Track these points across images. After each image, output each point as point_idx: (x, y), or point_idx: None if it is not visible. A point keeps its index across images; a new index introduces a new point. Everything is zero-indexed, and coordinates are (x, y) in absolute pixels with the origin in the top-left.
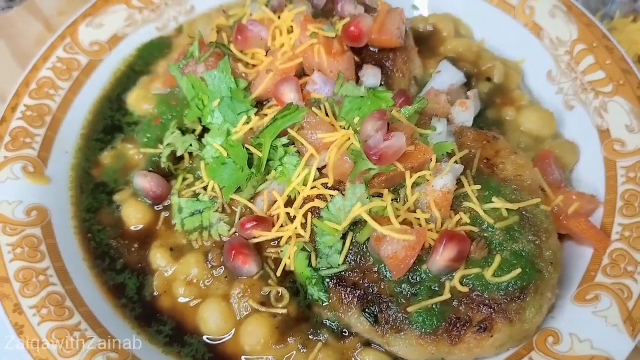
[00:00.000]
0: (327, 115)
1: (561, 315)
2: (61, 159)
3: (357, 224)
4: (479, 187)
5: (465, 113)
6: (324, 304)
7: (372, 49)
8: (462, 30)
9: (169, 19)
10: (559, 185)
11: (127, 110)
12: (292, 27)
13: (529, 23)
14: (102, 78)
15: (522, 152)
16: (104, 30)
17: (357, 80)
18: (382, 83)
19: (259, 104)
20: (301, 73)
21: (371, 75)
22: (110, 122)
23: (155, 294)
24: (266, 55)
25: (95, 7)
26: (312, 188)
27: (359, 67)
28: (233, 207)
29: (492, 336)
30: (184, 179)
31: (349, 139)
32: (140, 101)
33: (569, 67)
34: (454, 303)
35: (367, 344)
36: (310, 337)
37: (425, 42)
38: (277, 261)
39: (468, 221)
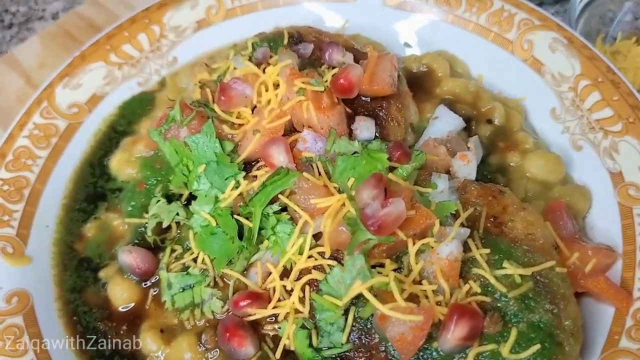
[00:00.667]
0: (319, 174)
1: None
2: (42, 234)
3: (360, 297)
4: (487, 250)
5: (467, 167)
6: None
7: (363, 98)
8: (457, 68)
9: (150, 73)
10: (572, 238)
11: (109, 176)
12: (277, 81)
13: (528, 58)
14: (82, 142)
15: (530, 207)
16: (82, 90)
17: (350, 134)
18: (377, 134)
19: (247, 165)
20: (290, 128)
21: (364, 128)
22: (93, 190)
23: None
24: (252, 113)
25: (71, 66)
26: (308, 257)
27: (350, 118)
28: (225, 280)
29: None
30: (172, 251)
31: (344, 204)
32: (123, 165)
33: (574, 105)
34: None
35: None
36: None
37: (420, 83)
38: (276, 339)
39: (479, 290)
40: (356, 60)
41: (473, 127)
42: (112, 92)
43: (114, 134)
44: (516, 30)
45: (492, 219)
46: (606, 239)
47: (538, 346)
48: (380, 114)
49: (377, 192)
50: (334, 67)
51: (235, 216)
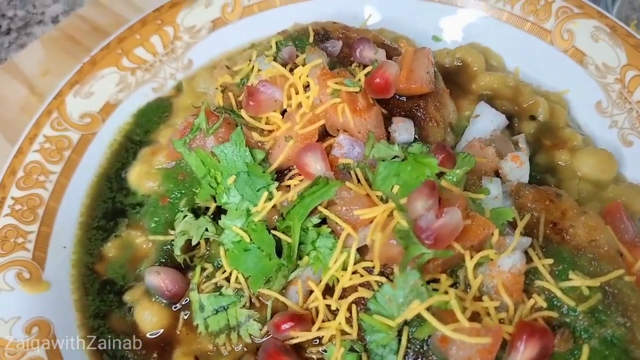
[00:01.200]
0: (358, 181)
1: None
2: (59, 256)
3: (413, 316)
4: (550, 260)
5: (519, 169)
6: None
7: (399, 97)
8: (492, 61)
9: (165, 77)
10: (633, 242)
11: (128, 190)
12: (307, 82)
13: (568, 49)
14: (97, 154)
15: (591, 210)
16: (94, 98)
17: (388, 137)
18: (415, 136)
19: (279, 174)
20: (323, 133)
21: (403, 130)
22: (111, 205)
23: None
24: (282, 117)
25: (81, 73)
26: (353, 273)
27: (386, 119)
28: (262, 300)
29: None
30: (203, 269)
31: (391, 213)
32: (142, 178)
33: (622, 97)
34: None
35: None
36: None
37: (454, 79)
38: None
39: (544, 305)
40: (389, 57)
41: (516, 125)
42: (126, 100)
43: (131, 145)
44: (554, 19)
45: (551, 225)
46: None
47: None
48: (418, 114)
49: (432, 202)
50: (365, 65)
51: (272, 232)
